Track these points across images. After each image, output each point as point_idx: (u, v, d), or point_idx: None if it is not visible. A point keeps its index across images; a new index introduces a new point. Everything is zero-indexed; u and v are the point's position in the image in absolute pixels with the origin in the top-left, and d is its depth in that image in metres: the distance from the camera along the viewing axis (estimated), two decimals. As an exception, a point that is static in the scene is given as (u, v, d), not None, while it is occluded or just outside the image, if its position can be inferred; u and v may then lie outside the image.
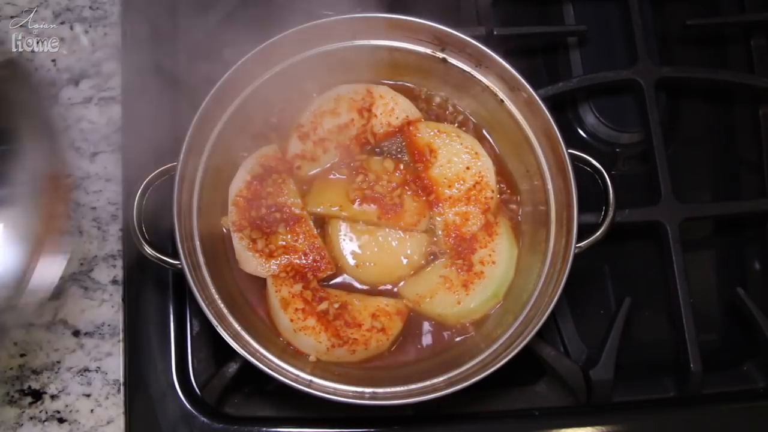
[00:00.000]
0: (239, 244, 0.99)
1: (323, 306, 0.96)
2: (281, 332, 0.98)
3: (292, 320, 0.95)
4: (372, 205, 1.01)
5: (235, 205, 0.99)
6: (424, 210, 1.03)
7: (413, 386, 0.91)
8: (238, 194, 1.00)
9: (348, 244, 1.01)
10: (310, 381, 0.90)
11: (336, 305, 0.97)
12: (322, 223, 1.03)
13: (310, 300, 0.96)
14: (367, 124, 1.05)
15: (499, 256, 1.01)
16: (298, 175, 1.04)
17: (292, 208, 1.01)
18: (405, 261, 1.02)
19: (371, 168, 1.04)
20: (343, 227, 1.02)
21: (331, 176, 1.04)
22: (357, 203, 1.01)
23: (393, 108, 1.06)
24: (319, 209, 1.02)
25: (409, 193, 1.03)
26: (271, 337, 0.97)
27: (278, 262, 0.99)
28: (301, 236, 1.00)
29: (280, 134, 1.06)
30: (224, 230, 1.01)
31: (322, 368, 0.95)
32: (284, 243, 0.99)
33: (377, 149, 1.07)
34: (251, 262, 0.99)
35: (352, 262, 1.01)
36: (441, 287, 1.00)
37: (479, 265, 1.01)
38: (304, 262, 0.99)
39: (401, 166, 1.04)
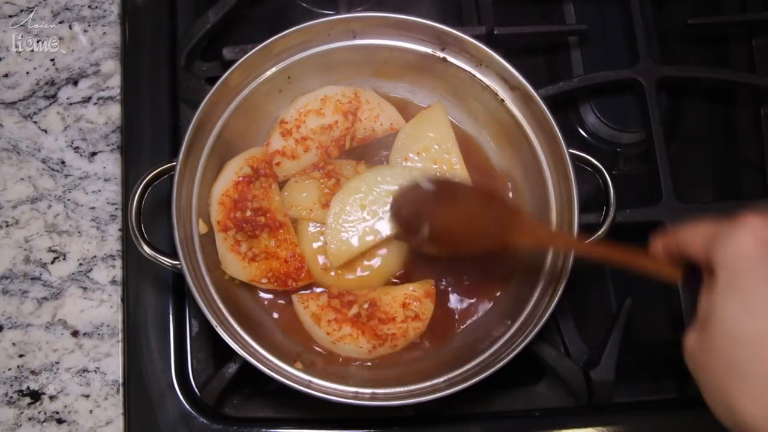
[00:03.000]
0: (222, 245, 0.97)
1: (354, 310, 0.96)
2: (321, 345, 0.98)
3: (328, 333, 0.95)
4: None
5: (222, 204, 0.97)
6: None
7: (413, 387, 0.90)
8: (225, 193, 0.97)
9: (318, 246, 1.00)
10: (310, 381, 0.89)
11: (366, 305, 0.97)
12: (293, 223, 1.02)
13: (340, 308, 0.96)
14: (351, 127, 1.04)
15: None
16: (276, 173, 1.02)
17: (276, 214, 0.99)
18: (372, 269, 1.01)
19: (343, 173, 1.02)
20: (313, 228, 1.01)
21: (304, 178, 1.02)
22: (327, 206, 1.00)
23: (378, 114, 1.05)
24: (290, 212, 1.01)
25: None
26: (271, 337, 0.97)
27: (260, 266, 0.97)
28: (283, 243, 0.98)
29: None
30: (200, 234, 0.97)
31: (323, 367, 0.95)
32: (267, 248, 0.98)
33: (352, 153, 1.05)
34: (233, 264, 0.96)
35: (321, 261, 1.00)
36: None
37: None
38: (285, 269, 0.98)
39: None
